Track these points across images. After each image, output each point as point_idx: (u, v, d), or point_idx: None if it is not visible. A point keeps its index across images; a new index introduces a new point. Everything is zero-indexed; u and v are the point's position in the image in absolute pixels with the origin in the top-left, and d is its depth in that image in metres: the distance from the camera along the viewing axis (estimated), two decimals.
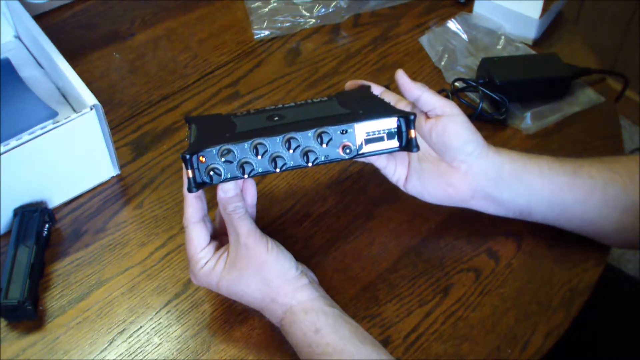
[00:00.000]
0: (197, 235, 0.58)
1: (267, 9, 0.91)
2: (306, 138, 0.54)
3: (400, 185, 0.64)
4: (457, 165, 0.61)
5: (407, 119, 0.55)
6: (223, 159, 0.53)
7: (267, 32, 0.89)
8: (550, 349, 0.60)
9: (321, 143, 0.54)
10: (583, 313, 0.62)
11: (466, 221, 0.68)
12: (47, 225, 0.67)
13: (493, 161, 0.61)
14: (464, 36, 0.88)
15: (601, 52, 1.74)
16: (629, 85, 0.85)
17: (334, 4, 0.92)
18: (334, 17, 0.91)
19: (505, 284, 0.64)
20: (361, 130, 0.55)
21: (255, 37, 0.89)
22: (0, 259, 0.65)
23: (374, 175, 0.73)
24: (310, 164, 0.54)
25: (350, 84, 0.68)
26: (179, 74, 0.84)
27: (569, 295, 0.63)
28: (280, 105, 0.63)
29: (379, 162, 0.64)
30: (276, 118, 0.58)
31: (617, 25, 1.69)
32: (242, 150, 0.53)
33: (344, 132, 0.55)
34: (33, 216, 0.66)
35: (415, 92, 0.60)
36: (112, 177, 0.73)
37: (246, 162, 0.53)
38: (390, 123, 0.55)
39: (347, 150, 0.55)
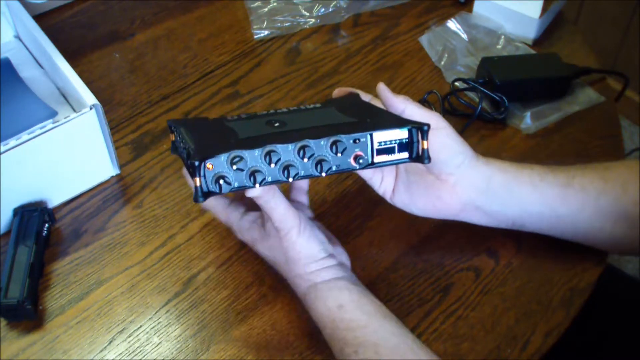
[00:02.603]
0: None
1: (267, 9, 0.91)
2: (319, 146, 0.52)
3: (387, 197, 0.63)
4: (445, 178, 0.60)
5: (421, 130, 0.53)
6: (235, 167, 0.50)
7: (267, 32, 0.89)
8: (550, 348, 0.60)
9: (335, 152, 0.52)
10: (583, 313, 0.62)
11: None
12: (46, 225, 0.67)
13: (483, 172, 0.61)
14: (464, 36, 0.88)
15: (601, 52, 1.74)
16: (629, 85, 0.85)
17: (333, 3, 0.92)
18: (334, 16, 0.91)
19: (505, 283, 0.64)
20: (374, 140, 0.53)
21: (255, 37, 0.89)
22: (0, 259, 0.65)
23: None
24: (323, 174, 0.52)
25: (337, 92, 0.66)
26: (179, 74, 0.84)
27: (569, 294, 0.63)
28: (272, 111, 0.62)
29: (365, 174, 0.63)
30: (277, 124, 0.56)
31: (617, 25, 1.69)
32: (252, 157, 0.51)
33: (357, 141, 0.53)
34: (33, 216, 0.66)
35: (398, 106, 0.59)
36: (112, 176, 0.73)
37: (257, 171, 0.51)
38: (403, 134, 0.54)
39: (360, 161, 0.53)
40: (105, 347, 0.60)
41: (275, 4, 0.92)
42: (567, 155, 0.75)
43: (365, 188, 0.71)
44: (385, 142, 0.54)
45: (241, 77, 0.84)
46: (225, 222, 0.62)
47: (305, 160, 0.52)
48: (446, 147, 0.59)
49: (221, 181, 0.50)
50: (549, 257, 0.66)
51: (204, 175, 0.50)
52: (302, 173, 0.52)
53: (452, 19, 0.89)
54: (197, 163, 0.49)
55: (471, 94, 0.81)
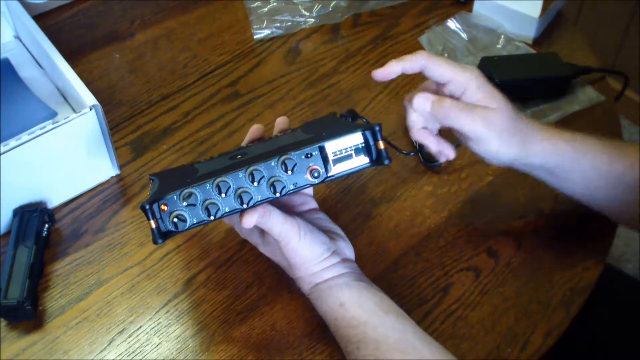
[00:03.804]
0: None
1: (266, 9, 0.91)
2: (270, 168, 0.52)
3: None
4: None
5: (373, 131, 0.53)
6: (185, 203, 0.51)
7: (266, 32, 0.89)
8: (550, 348, 0.60)
9: (286, 170, 0.52)
10: (583, 313, 0.62)
11: (466, 220, 0.68)
12: (46, 225, 0.67)
13: (534, 157, 0.60)
14: (464, 35, 0.88)
15: (601, 52, 1.74)
16: (629, 84, 0.85)
17: (333, 3, 0.91)
18: (334, 16, 0.91)
19: (505, 283, 0.64)
20: (326, 151, 0.53)
21: (255, 36, 0.89)
22: (0, 259, 0.65)
23: (373, 174, 0.73)
24: (278, 194, 0.52)
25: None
26: (179, 74, 0.84)
27: (569, 294, 0.63)
28: (243, 145, 0.62)
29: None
30: (239, 156, 0.56)
31: (617, 25, 1.69)
32: (204, 191, 0.51)
33: (309, 155, 0.53)
34: (33, 216, 0.66)
35: (418, 62, 0.58)
36: (112, 177, 0.73)
37: (211, 203, 0.51)
38: (356, 139, 0.53)
39: (316, 174, 0.53)
40: (105, 348, 0.60)
41: (275, 4, 0.92)
42: None
43: (365, 188, 0.72)
44: (340, 151, 0.53)
45: (241, 77, 0.84)
46: (229, 223, 0.64)
47: (256, 184, 0.52)
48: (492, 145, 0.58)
49: (175, 220, 0.51)
50: (549, 257, 0.66)
51: (161, 217, 0.51)
52: (257, 197, 0.52)
53: (452, 18, 0.89)
54: (147, 207, 0.50)
55: None
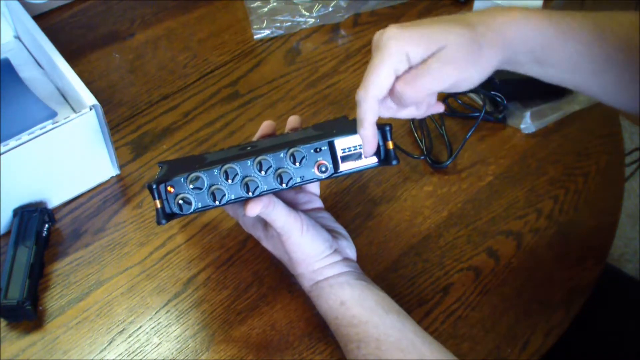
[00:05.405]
0: None
1: (266, 9, 0.91)
2: (278, 159, 0.53)
3: None
4: None
5: (383, 131, 0.53)
6: (192, 186, 0.52)
7: (266, 32, 0.89)
8: (550, 348, 0.60)
9: (294, 162, 0.53)
10: (583, 313, 0.62)
11: (466, 220, 0.68)
12: (46, 226, 0.67)
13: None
14: None
15: None
16: None
17: (333, 3, 0.91)
18: (334, 16, 0.91)
19: (505, 283, 0.64)
20: (336, 147, 0.54)
21: (255, 36, 0.89)
22: (0, 259, 0.65)
23: (373, 174, 0.73)
24: (284, 185, 0.53)
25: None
26: (179, 74, 0.84)
27: (569, 294, 0.63)
28: (254, 140, 0.62)
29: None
30: (249, 148, 0.57)
31: None
32: (211, 176, 0.52)
33: (318, 150, 0.53)
34: (33, 216, 0.66)
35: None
36: (112, 177, 0.73)
37: (217, 189, 0.52)
38: None
39: (323, 169, 0.53)
40: (105, 348, 0.60)
41: (275, 3, 0.92)
42: (567, 155, 0.75)
43: (365, 188, 0.72)
44: (349, 148, 0.54)
45: (241, 77, 0.84)
46: (233, 215, 0.64)
47: (264, 173, 0.52)
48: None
49: (181, 202, 0.52)
50: (549, 257, 0.66)
51: (166, 199, 0.52)
52: (264, 187, 0.53)
53: None
54: (154, 186, 0.51)
55: (471, 94, 0.80)
